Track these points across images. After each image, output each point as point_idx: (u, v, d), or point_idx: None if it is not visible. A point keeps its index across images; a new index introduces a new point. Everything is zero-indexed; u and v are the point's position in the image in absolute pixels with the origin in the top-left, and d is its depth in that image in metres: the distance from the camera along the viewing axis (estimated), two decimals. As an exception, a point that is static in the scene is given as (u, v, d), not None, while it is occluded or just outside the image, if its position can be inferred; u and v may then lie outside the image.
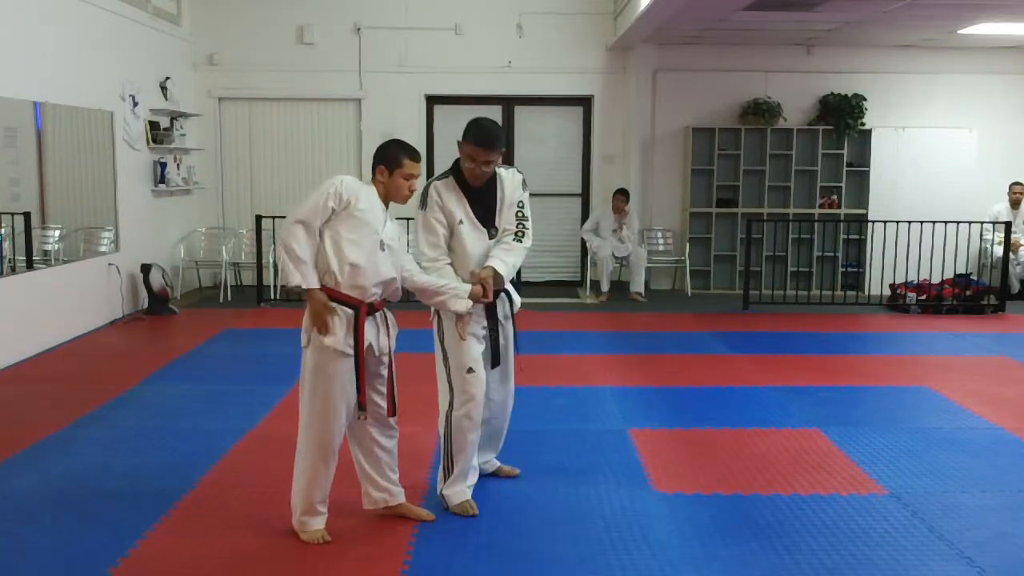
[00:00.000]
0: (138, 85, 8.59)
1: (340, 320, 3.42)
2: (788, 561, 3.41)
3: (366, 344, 3.48)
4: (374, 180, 3.58)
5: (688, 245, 10.18)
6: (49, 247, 7.31)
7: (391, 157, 3.54)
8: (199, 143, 10.05)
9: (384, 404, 3.64)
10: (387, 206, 3.59)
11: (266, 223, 8.99)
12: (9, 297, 6.56)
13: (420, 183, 3.70)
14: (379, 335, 3.56)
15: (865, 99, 10.09)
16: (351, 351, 3.45)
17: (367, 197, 3.49)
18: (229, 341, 7.46)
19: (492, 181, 3.84)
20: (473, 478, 3.93)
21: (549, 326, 7.97)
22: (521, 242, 3.86)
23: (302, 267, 3.37)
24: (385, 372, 3.63)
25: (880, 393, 5.98)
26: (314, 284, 3.39)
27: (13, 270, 6.75)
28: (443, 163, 10.49)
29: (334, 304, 3.42)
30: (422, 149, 10.29)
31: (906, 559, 3.44)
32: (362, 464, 3.70)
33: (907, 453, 4.66)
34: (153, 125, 8.93)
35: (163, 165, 9.12)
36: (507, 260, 3.79)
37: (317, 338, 3.42)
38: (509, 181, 3.90)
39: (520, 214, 3.89)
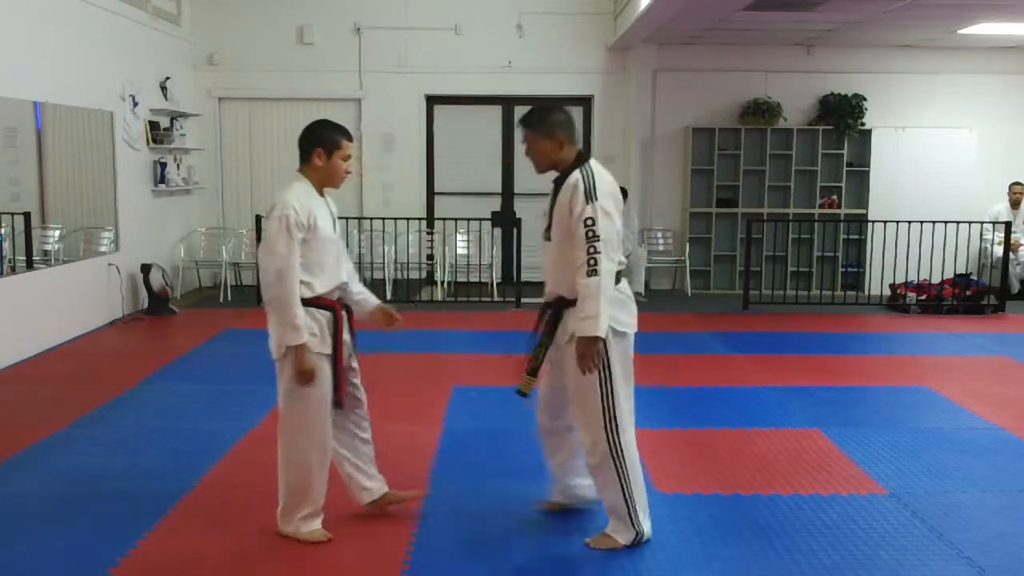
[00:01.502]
0: (138, 85, 8.59)
1: (317, 324, 3.42)
2: (788, 561, 3.41)
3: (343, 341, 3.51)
4: (308, 166, 3.46)
5: (688, 245, 10.18)
6: (49, 247, 7.31)
7: (328, 139, 3.44)
8: (199, 143, 10.05)
9: (363, 397, 3.68)
10: (322, 195, 3.50)
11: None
12: (9, 297, 6.56)
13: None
14: (347, 331, 3.56)
15: (865, 99, 10.09)
16: (331, 351, 3.45)
17: (316, 207, 3.41)
18: (229, 341, 7.45)
19: (564, 178, 3.45)
20: (552, 484, 3.83)
21: (549, 326, 7.96)
22: (596, 276, 3.26)
23: (298, 321, 3.30)
24: (356, 365, 3.65)
25: (880, 393, 5.98)
26: (305, 338, 3.33)
27: (13, 270, 6.75)
28: (443, 163, 10.54)
29: (312, 309, 3.39)
30: (422, 149, 10.34)
31: (906, 559, 3.44)
32: (348, 461, 3.67)
33: (907, 453, 4.66)
34: (153, 125, 8.93)
35: (163, 165, 9.12)
36: (585, 309, 3.29)
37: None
38: (567, 185, 3.39)
39: (589, 233, 3.27)
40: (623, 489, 3.48)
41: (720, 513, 3.86)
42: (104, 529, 3.64)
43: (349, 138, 3.50)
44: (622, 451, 3.48)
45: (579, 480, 3.78)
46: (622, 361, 3.49)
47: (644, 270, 9.73)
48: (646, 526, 3.54)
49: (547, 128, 3.45)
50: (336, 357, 3.47)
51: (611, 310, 3.36)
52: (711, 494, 4.08)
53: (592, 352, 3.33)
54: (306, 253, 3.35)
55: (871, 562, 3.41)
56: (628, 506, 3.49)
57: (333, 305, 3.47)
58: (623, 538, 3.52)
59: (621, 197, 3.50)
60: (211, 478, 4.22)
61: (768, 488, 4.15)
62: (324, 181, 3.48)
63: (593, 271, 3.27)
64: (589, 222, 3.28)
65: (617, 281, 3.45)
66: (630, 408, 3.55)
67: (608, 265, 3.29)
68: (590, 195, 3.31)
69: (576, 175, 3.38)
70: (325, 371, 3.45)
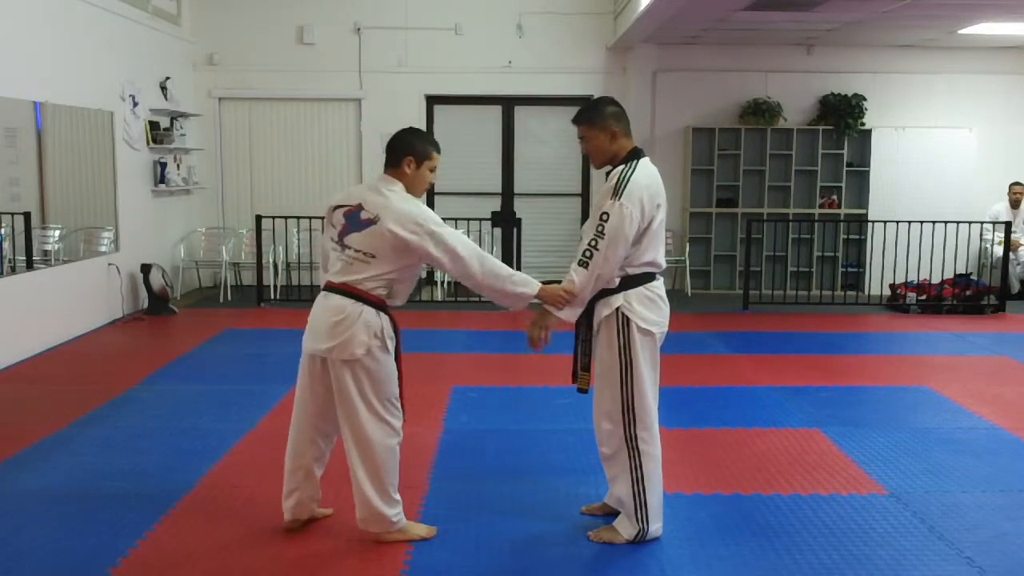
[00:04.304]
0: (138, 85, 8.59)
1: (391, 325, 3.44)
2: (788, 561, 3.42)
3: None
4: (398, 171, 3.48)
5: (688, 245, 10.18)
6: (49, 247, 7.30)
7: (420, 149, 3.49)
8: (199, 143, 10.05)
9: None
10: None
11: (266, 223, 8.99)
12: (9, 297, 6.56)
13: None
14: None
15: (865, 99, 10.09)
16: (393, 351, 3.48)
17: None
18: (229, 341, 7.45)
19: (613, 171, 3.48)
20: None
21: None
22: (583, 267, 3.35)
23: (517, 278, 3.40)
24: None
25: (880, 393, 5.98)
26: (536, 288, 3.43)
27: (13, 270, 6.75)
28: (443, 163, 10.44)
29: (382, 312, 3.40)
30: (422, 149, 10.31)
31: (906, 559, 3.44)
32: (313, 467, 3.61)
33: (907, 453, 4.67)
34: (153, 125, 8.93)
35: (163, 165, 9.12)
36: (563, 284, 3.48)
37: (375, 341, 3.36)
38: (610, 177, 3.44)
39: (599, 228, 3.33)
40: (633, 483, 3.49)
41: (720, 513, 3.86)
42: (104, 529, 3.64)
43: (439, 150, 3.57)
44: (638, 445, 3.47)
45: None
46: (650, 359, 3.48)
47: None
48: (654, 526, 3.53)
49: (602, 120, 3.47)
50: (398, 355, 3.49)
51: (640, 308, 3.42)
52: (711, 494, 4.08)
53: (540, 321, 3.48)
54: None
55: (871, 562, 3.41)
56: (636, 502, 3.49)
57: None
58: (626, 532, 3.53)
59: (657, 200, 3.43)
60: (211, 478, 4.22)
61: (768, 488, 4.15)
62: (410, 188, 3.52)
63: (584, 263, 3.35)
64: (604, 217, 3.32)
65: (651, 280, 3.48)
66: (656, 406, 3.52)
67: (600, 262, 3.33)
68: (618, 192, 3.34)
69: (619, 169, 3.42)
70: (394, 369, 3.44)
